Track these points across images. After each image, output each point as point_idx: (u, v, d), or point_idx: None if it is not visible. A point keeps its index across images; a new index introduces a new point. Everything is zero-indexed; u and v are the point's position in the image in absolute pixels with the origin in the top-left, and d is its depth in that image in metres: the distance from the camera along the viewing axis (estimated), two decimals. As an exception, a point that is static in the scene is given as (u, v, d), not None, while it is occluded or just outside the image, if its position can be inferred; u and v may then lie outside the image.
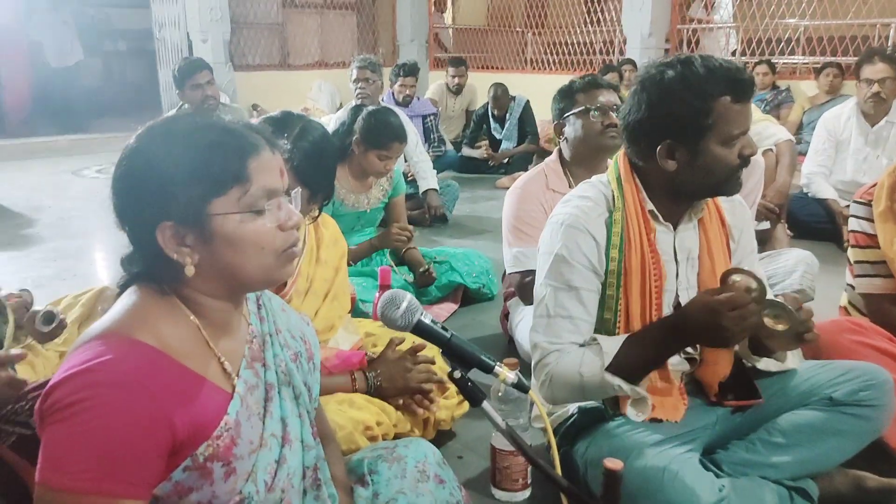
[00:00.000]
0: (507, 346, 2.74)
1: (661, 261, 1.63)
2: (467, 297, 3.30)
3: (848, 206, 2.65)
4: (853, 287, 2.22)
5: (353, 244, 3.12)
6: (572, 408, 1.73)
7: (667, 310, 1.65)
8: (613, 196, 1.65)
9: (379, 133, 3.00)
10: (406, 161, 4.72)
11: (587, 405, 1.70)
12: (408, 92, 5.49)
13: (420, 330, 1.22)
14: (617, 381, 1.52)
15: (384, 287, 2.55)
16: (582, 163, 2.47)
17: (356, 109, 3.21)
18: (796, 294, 2.62)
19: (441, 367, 1.94)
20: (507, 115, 6.72)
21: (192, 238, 1.02)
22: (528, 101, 6.71)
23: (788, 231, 4.03)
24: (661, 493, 1.47)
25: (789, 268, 2.74)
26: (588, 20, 8.86)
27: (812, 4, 7.07)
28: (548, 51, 9.21)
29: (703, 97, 1.49)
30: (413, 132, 4.63)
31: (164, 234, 1.01)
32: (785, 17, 7.27)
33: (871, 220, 2.11)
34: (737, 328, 1.41)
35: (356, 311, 2.58)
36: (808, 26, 7.29)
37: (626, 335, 1.59)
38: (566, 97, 2.49)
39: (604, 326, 1.64)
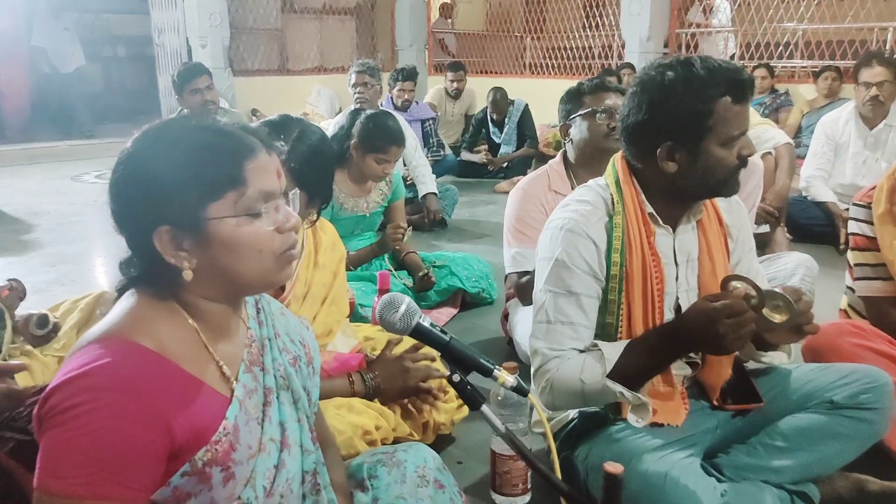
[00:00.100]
0: (507, 351, 2.73)
1: (662, 263, 1.63)
2: (466, 302, 3.30)
3: (847, 209, 2.65)
4: (853, 290, 2.22)
5: (353, 249, 3.12)
6: (572, 412, 1.73)
7: (668, 313, 1.65)
8: (612, 199, 1.64)
9: (377, 137, 3.00)
10: (405, 165, 4.72)
11: (587, 410, 1.70)
12: (406, 96, 5.50)
13: (419, 333, 1.21)
14: (618, 387, 1.52)
15: (383, 291, 2.55)
16: (586, 165, 2.48)
17: (355, 113, 3.21)
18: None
19: (440, 370, 1.93)
20: (506, 119, 6.72)
21: (189, 242, 1.02)
22: (526, 105, 6.72)
23: (788, 234, 4.03)
24: (662, 498, 1.47)
25: (789, 271, 2.74)
26: (587, 24, 8.88)
27: (810, 8, 7.09)
28: (546, 55, 9.23)
29: (705, 98, 1.49)
30: (412, 136, 4.63)
31: (161, 238, 1.01)
32: (783, 21, 7.29)
33: (870, 223, 2.11)
34: (734, 336, 1.40)
35: (355, 316, 2.58)
36: (806, 30, 7.30)
37: (627, 341, 1.58)
38: (573, 99, 2.50)
39: (606, 331, 1.64)
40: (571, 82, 2.56)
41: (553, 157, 2.70)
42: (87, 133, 8.93)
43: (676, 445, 1.60)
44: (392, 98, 5.53)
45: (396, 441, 1.85)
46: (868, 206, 2.11)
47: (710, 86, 1.48)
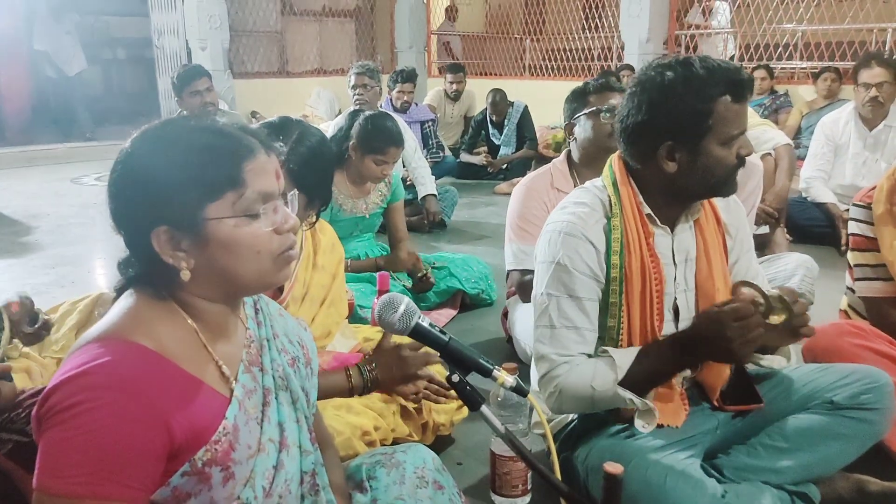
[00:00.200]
0: (507, 351, 2.73)
1: (661, 264, 1.62)
2: (466, 303, 3.30)
3: (847, 210, 2.65)
4: (853, 290, 2.22)
5: (352, 250, 3.12)
6: (572, 413, 1.73)
7: (666, 314, 1.65)
8: (610, 201, 1.64)
9: (375, 138, 3.00)
10: (404, 167, 4.72)
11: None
12: (406, 98, 5.50)
13: (418, 333, 1.21)
14: (628, 394, 1.53)
15: (382, 292, 2.54)
16: (589, 164, 2.49)
17: (354, 115, 3.21)
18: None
19: (439, 371, 1.93)
20: (506, 120, 6.72)
21: (187, 242, 1.01)
22: (526, 107, 6.72)
23: (787, 235, 4.03)
24: (662, 499, 1.47)
25: (789, 272, 2.74)
26: (586, 26, 8.89)
27: (809, 9, 7.09)
28: (546, 57, 9.23)
29: (705, 98, 1.49)
30: (411, 138, 4.64)
31: (160, 238, 1.01)
32: (783, 23, 7.29)
33: (870, 224, 2.10)
34: (741, 339, 1.41)
35: (354, 317, 2.57)
36: (805, 31, 7.31)
37: (638, 349, 1.58)
38: (579, 98, 2.51)
39: (607, 333, 1.64)
40: (571, 84, 2.57)
41: (553, 158, 2.71)
42: (87, 135, 8.94)
43: (676, 446, 1.60)
44: (391, 100, 5.54)
45: (395, 442, 1.85)
46: (868, 207, 2.11)
47: (710, 85, 1.48)
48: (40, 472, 0.91)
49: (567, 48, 8.92)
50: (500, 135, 6.78)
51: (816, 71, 6.69)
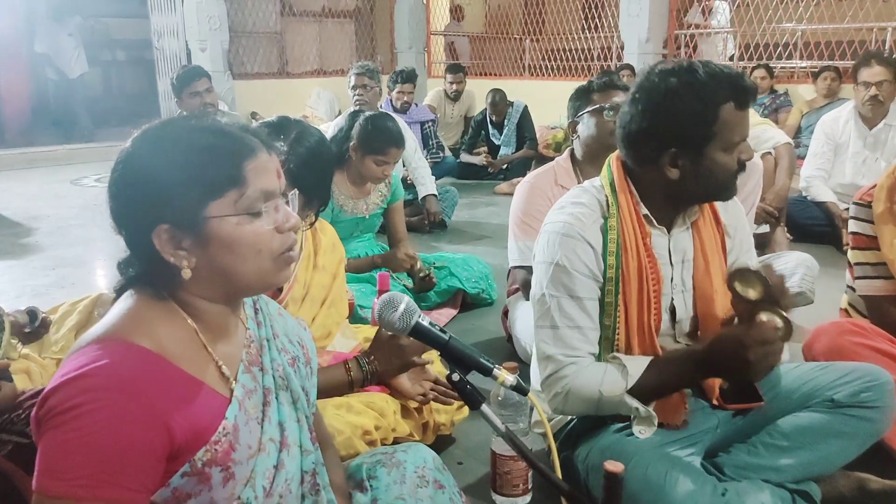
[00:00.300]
0: (507, 351, 2.73)
1: (658, 264, 1.62)
2: (466, 303, 3.29)
3: (847, 209, 2.65)
4: (853, 289, 2.22)
5: (352, 250, 3.11)
6: (573, 415, 1.73)
7: (664, 314, 1.65)
8: (607, 201, 1.64)
9: (376, 138, 3.00)
10: (405, 167, 4.72)
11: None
12: (406, 99, 5.51)
13: (418, 332, 1.21)
14: (635, 402, 1.53)
15: (383, 293, 2.54)
16: (593, 161, 2.50)
17: (354, 115, 3.21)
18: (794, 290, 2.62)
19: (440, 371, 1.93)
20: (506, 120, 6.72)
21: (188, 241, 1.01)
22: (525, 107, 6.72)
23: (788, 234, 4.03)
24: (662, 498, 1.47)
25: (789, 270, 2.74)
26: (586, 26, 8.89)
27: (809, 9, 7.09)
28: (546, 57, 9.23)
29: (710, 105, 1.49)
30: (412, 138, 4.64)
31: (161, 237, 1.00)
32: (782, 22, 7.29)
33: (870, 222, 2.10)
34: (763, 364, 1.42)
35: (355, 317, 2.58)
36: (805, 31, 7.31)
37: (650, 358, 1.58)
38: (582, 96, 2.53)
39: (604, 333, 1.64)
40: (570, 84, 2.58)
41: (552, 158, 2.71)
42: (87, 137, 8.94)
43: (677, 445, 1.60)
44: (391, 100, 5.54)
45: (396, 441, 1.85)
46: (868, 205, 2.11)
47: (714, 92, 1.49)
48: (40, 474, 0.91)
49: (567, 48, 8.92)
50: (500, 135, 6.78)
51: (816, 70, 6.69)
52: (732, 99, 1.50)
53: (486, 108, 6.80)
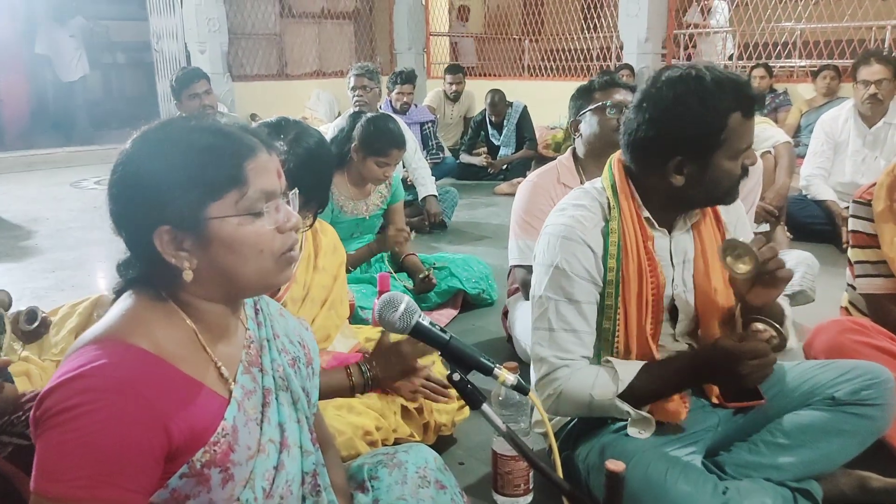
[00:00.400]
0: (508, 351, 2.73)
1: (659, 266, 1.62)
2: (467, 303, 3.29)
3: (847, 207, 2.64)
4: (854, 287, 2.22)
5: (352, 251, 3.11)
6: (567, 416, 1.73)
7: (665, 314, 1.65)
8: (609, 204, 1.64)
9: (377, 140, 3.00)
10: (405, 168, 4.72)
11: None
12: (405, 99, 5.51)
13: (418, 332, 1.21)
14: (626, 406, 1.55)
15: (383, 293, 2.54)
16: (595, 159, 2.50)
17: (355, 116, 3.21)
18: (792, 293, 2.62)
19: (440, 371, 1.92)
20: (505, 121, 6.72)
21: (189, 242, 1.01)
22: (525, 107, 6.72)
23: (788, 233, 4.03)
24: (663, 496, 1.47)
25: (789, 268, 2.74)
26: (585, 27, 8.89)
27: (808, 8, 7.09)
28: (545, 57, 9.23)
29: (717, 114, 1.49)
30: (411, 139, 4.64)
31: (162, 238, 1.00)
32: (781, 21, 7.29)
33: (870, 220, 2.10)
34: (754, 376, 1.45)
35: (355, 318, 2.57)
36: (804, 30, 7.31)
37: (643, 363, 1.59)
38: (584, 94, 2.54)
39: (603, 335, 1.64)
40: (570, 84, 2.58)
41: (552, 158, 2.71)
42: (87, 139, 8.94)
43: (677, 443, 1.60)
44: (391, 101, 5.54)
45: (397, 442, 1.84)
46: (868, 204, 2.11)
47: (722, 101, 1.48)
48: (37, 475, 0.90)
49: (566, 48, 8.92)
50: (500, 135, 6.78)
51: (815, 69, 6.69)
52: (739, 108, 1.50)
53: (485, 109, 6.80)
